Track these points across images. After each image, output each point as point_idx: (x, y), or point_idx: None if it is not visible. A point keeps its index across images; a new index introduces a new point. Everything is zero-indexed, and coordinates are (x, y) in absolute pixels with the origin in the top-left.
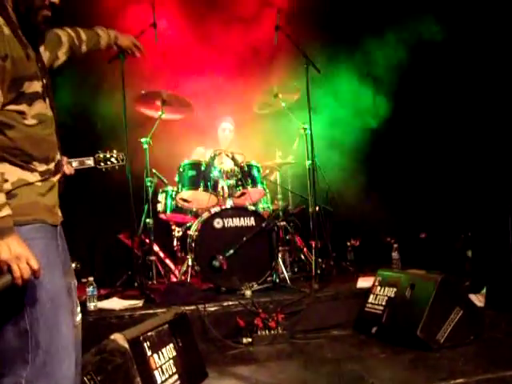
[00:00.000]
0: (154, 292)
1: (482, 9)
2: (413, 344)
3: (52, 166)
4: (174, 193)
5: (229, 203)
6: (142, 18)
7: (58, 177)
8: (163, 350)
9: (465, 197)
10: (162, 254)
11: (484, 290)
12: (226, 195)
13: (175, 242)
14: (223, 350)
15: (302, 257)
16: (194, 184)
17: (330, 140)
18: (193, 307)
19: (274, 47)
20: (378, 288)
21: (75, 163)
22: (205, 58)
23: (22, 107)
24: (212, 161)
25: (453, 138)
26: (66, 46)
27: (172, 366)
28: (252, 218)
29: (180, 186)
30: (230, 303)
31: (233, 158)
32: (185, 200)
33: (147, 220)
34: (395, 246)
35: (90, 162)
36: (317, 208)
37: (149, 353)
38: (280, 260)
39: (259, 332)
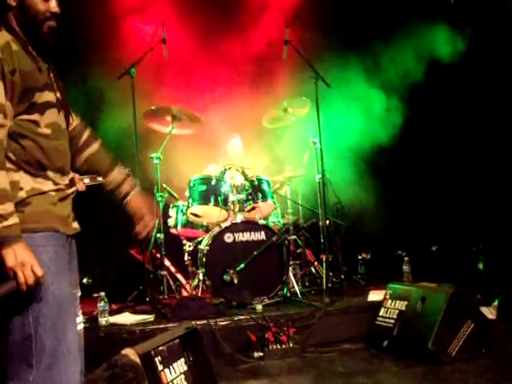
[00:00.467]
0: (165, 307)
1: (497, 19)
2: (424, 357)
3: (66, 179)
4: (184, 208)
5: (239, 217)
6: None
7: (72, 189)
8: (174, 364)
9: (476, 209)
10: (173, 269)
11: (496, 303)
12: (237, 209)
13: (186, 257)
14: (234, 364)
15: (313, 270)
16: (204, 199)
17: (340, 153)
18: (204, 322)
19: (283, 61)
20: (389, 301)
21: (87, 180)
22: (214, 73)
23: (35, 116)
24: (222, 175)
25: (464, 150)
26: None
27: (183, 380)
28: (262, 232)
29: (191, 201)
30: (241, 317)
31: (243, 173)
32: (195, 215)
33: (158, 235)
34: (406, 259)
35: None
36: (327, 222)
37: (160, 367)
38: (291, 274)
39: (270, 346)
